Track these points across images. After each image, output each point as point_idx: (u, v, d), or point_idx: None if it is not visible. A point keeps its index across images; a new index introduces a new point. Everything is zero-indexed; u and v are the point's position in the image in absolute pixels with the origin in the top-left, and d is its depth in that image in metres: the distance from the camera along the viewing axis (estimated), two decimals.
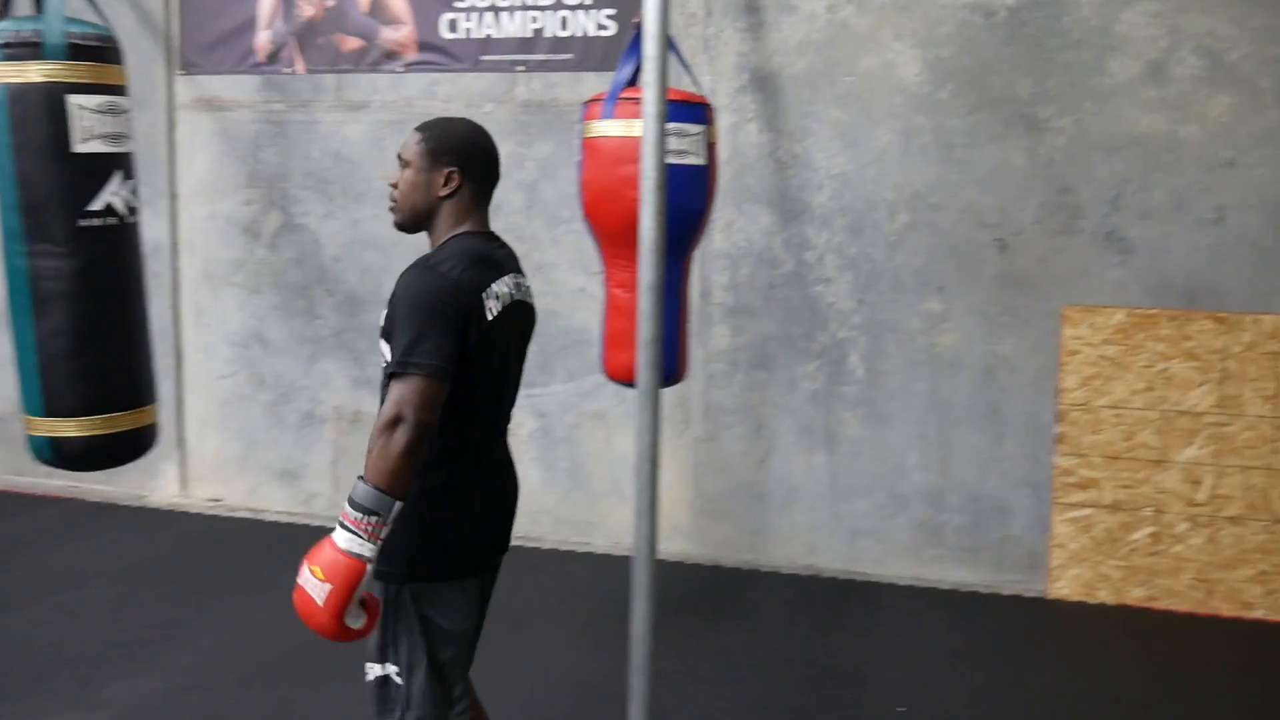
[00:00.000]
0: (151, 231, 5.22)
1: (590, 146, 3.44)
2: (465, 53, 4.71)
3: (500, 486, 2.27)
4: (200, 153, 5.15)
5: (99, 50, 3.21)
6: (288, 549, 4.71)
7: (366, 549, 1.90)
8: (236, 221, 5.13)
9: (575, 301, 4.70)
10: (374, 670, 2.15)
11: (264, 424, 5.20)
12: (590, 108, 3.47)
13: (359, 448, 5.03)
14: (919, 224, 4.34)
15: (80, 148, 3.10)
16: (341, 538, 1.91)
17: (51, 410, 3.12)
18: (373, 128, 4.89)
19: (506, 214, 4.73)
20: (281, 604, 4.02)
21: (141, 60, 5.15)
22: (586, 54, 4.55)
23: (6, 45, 3.11)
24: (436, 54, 4.74)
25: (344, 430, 5.07)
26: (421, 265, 2.06)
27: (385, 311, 2.07)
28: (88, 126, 3.10)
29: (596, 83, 4.50)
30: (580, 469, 4.79)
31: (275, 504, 5.20)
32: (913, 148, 4.32)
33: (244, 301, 5.16)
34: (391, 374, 1.99)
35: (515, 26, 4.63)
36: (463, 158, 2.16)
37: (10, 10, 3.36)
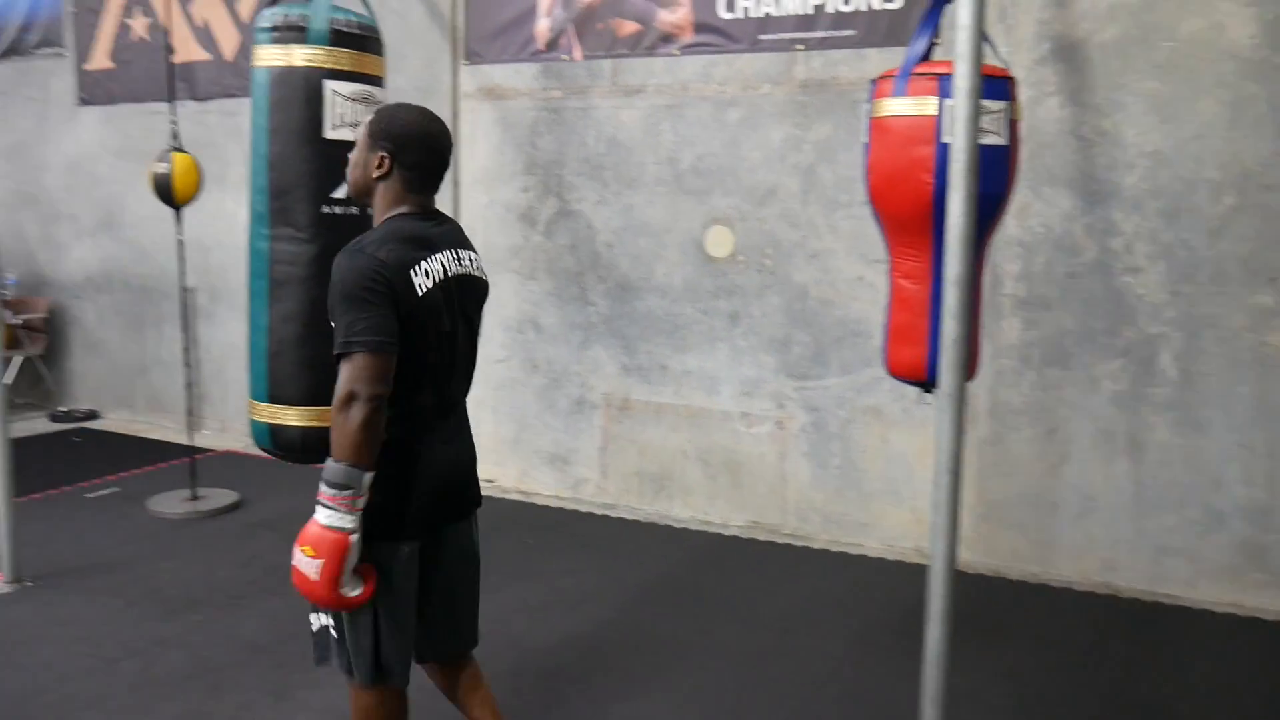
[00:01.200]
0: None
1: (879, 127, 3.25)
2: (742, 33, 4.63)
3: (449, 454, 2.32)
4: (482, 141, 5.33)
5: (360, 39, 3.32)
6: (556, 534, 4.85)
7: (347, 521, 2.06)
8: (514, 208, 5.27)
9: (852, 291, 4.53)
10: (315, 620, 2.29)
11: (536, 408, 5.33)
12: (880, 85, 3.29)
13: (628, 435, 5.08)
14: (1247, 206, 3.89)
15: (332, 134, 3.20)
16: (323, 515, 2.06)
17: (274, 396, 3.20)
18: (648, 113, 4.89)
19: (782, 199, 4.61)
20: (546, 592, 4.15)
21: (429, 51, 5.38)
22: (870, 29, 4.36)
23: (274, 29, 3.26)
24: (713, 35, 4.68)
25: (613, 417, 5.12)
26: (351, 249, 2.18)
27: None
28: (340, 113, 3.20)
29: (880, 59, 4.30)
30: (853, 467, 4.62)
31: (545, 487, 5.33)
32: (1243, 121, 3.87)
33: (520, 287, 5.30)
34: (338, 355, 2.10)
35: (795, 3, 4.50)
36: (397, 144, 2.26)
37: None
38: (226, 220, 6.19)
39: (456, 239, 2.35)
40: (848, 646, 3.62)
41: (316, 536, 2.05)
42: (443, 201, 5.34)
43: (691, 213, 4.83)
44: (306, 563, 2.06)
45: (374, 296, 2.10)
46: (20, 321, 6.88)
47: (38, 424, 6.71)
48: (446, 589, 2.41)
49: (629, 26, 4.87)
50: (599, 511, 5.03)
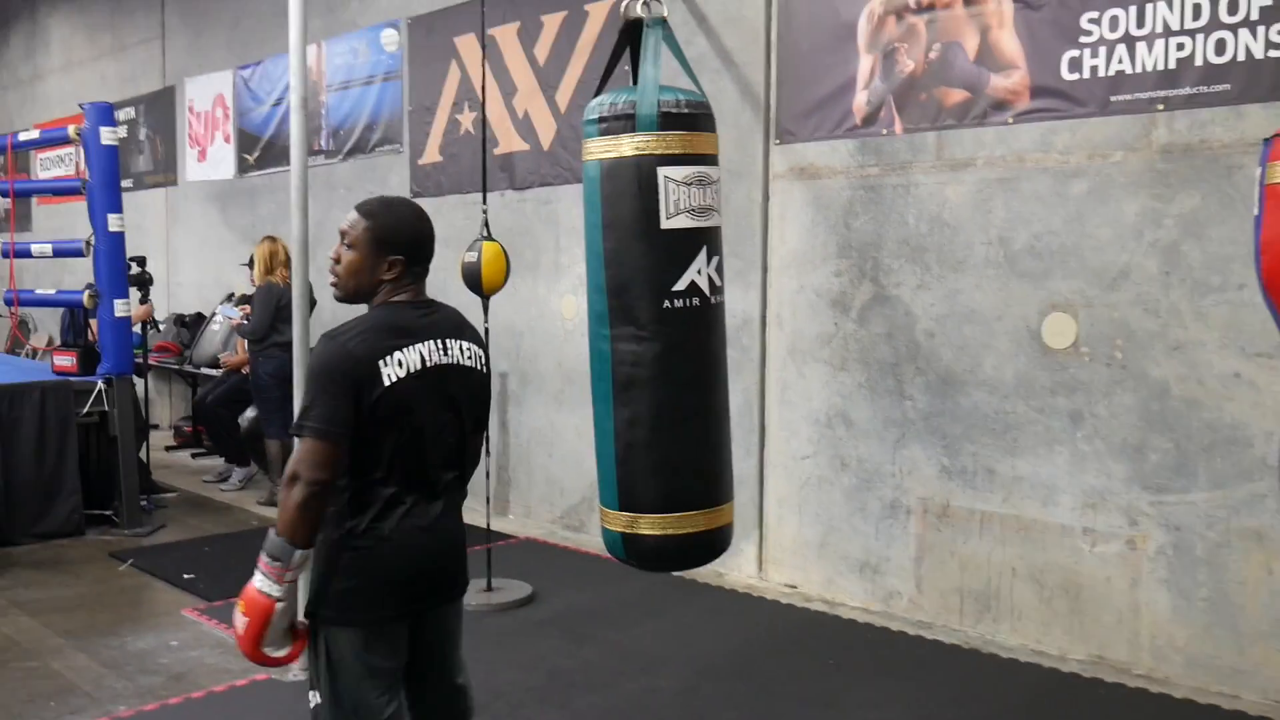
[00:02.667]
0: (742, 305, 5.18)
1: (1275, 195, 2.64)
2: (1089, 95, 4.06)
3: (420, 539, 2.33)
4: (792, 223, 5.01)
5: (690, 118, 3.08)
6: (864, 653, 4.31)
7: (275, 590, 2.19)
8: (825, 294, 4.89)
9: (1226, 390, 3.79)
10: (312, 698, 2.37)
11: (844, 510, 4.86)
12: (1276, 145, 2.68)
13: (947, 545, 4.50)
14: None
15: (668, 224, 2.97)
16: (257, 579, 2.20)
17: (625, 504, 2.99)
18: (976, 187, 4.40)
19: (1136, 282, 3.97)
20: None
21: (741, 132, 5.15)
22: (1251, 81, 3.68)
23: (601, 119, 3.08)
24: (1054, 99, 4.14)
25: (930, 525, 4.57)
26: (326, 336, 2.29)
27: None
28: (676, 200, 2.97)
29: (1264, 116, 3.62)
30: (1227, 600, 3.83)
31: (852, 598, 4.83)
32: None
33: (829, 379, 4.89)
34: (295, 431, 2.26)
35: (1155, 58, 3.89)
36: (407, 249, 2.35)
37: (605, 85, 3.38)
38: (539, 306, 6.21)
39: (448, 329, 2.43)
40: None
41: (249, 599, 2.21)
42: (750, 286, 5.09)
43: (1026, 298, 4.26)
44: (239, 619, 2.22)
45: (334, 386, 2.21)
46: None
47: None
48: (438, 671, 2.50)
49: (956, 95, 4.42)
50: (912, 631, 4.46)
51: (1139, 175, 3.97)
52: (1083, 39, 4.05)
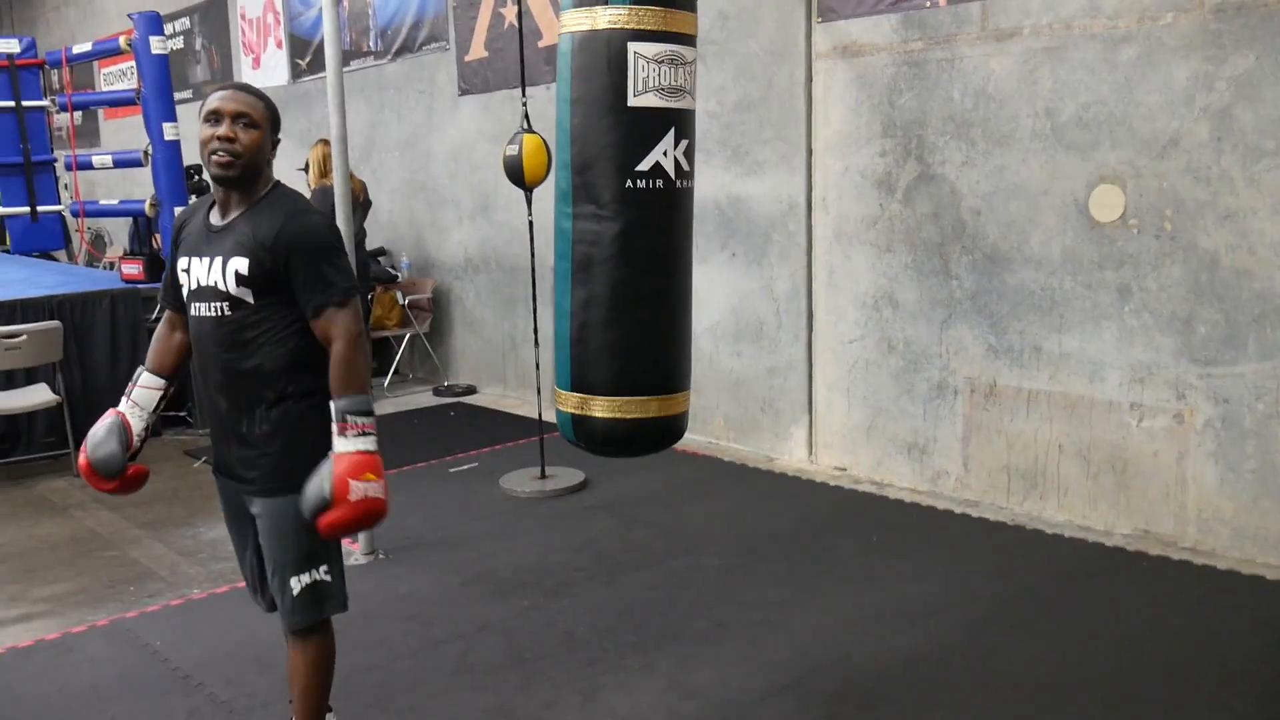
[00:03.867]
0: (788, 189, 5.12)
1: None
2: None
3: None
4: (836, 103, 4.90)
5: None
6: (907, 533, 4.34)
7: (375, 444, 2.26)
8: (870, 175, 4.81)
9: (1278, 258, 3.68)
10: (300, 580, 2.42)
11: (892, 392, 4.85)
12: None
13: (994, 424, 4.48)
14: None
15: (635, 101, 2.89)
16: (370, 443, 2.24)
17: (577, 385, 2.95)
18: (1023, 59, 4.25)
19: (1186, 149, 3.83)
20: (885, 600, 3.67)
21: (782, 12, 5.03)
22: None
23: None
24: None
25: (978, 404, 4.54)
26: (308, 209, 2.43)
27: (254, 256, 2.31)
28: (645, 78, 2.88)
29: None
30: (1275, 471, 3.77)
31: (901, 479, 4.84)
32: None
33: (875, 260, 4.83)
34: (339, 301, 2.32)
35: None
36: (278, 132, 2.45)
37: None
38: None
39: None
40: (1260, 701, 2.89)
41: (375, 462, 2.22)
42: (794, 170, 5.02)
43: (1074, 171, 4.15)
44: (377, 488, 2.20)
45: (343, 252, 2.41)
46: (409, 302, 7.32)
47: (423, 398, 7.11)
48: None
49: None
50: (959, 509, 4.48)
51: (1190, 37, 3.80)
52: None
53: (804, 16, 4.95)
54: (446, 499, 4.87)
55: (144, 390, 2.55)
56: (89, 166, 7.33)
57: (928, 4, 4.50)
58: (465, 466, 5.37)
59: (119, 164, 7.08)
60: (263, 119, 2.37)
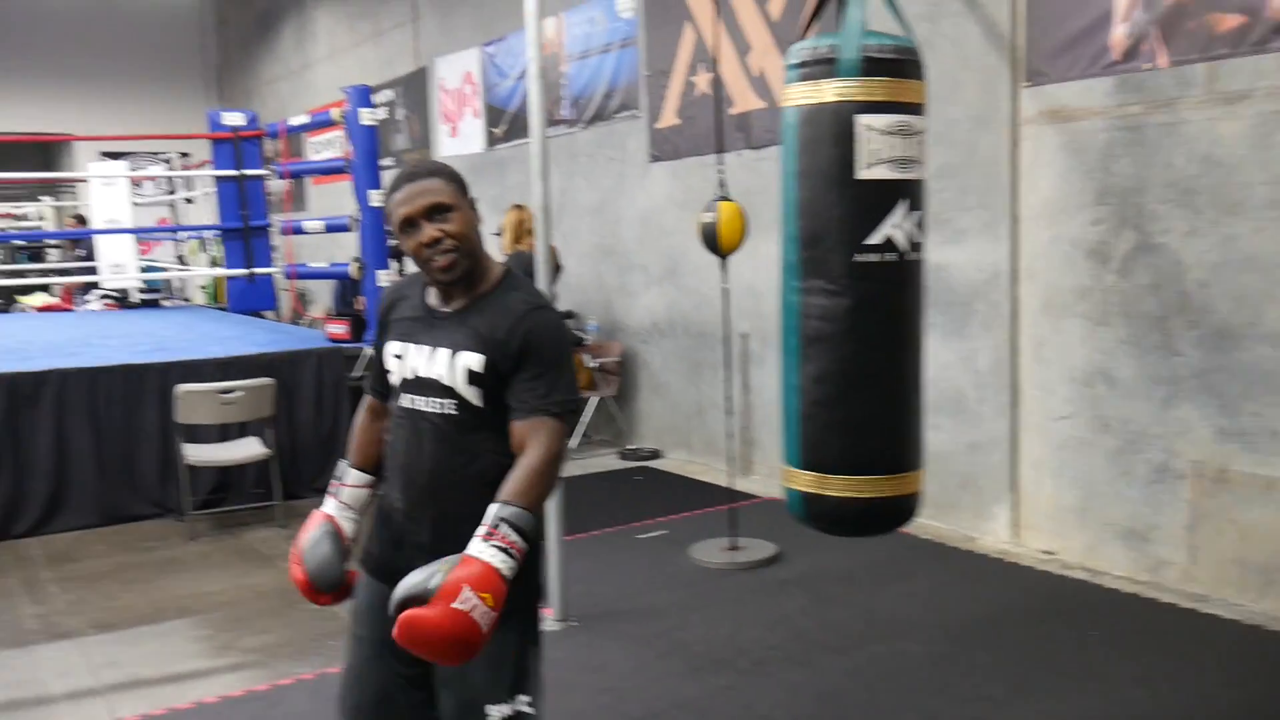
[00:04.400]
0: (991, 258, 4.93)
1: None
2: None
3: None
4: (1044, 170, 4.71)
5: (896, 64, 2.91)
6: (1130, 625, 4.03)
7: (511, 570, 1.88)
8: (1082, 244, 4.58)
9: None
10: (500, 711, 2.06)
11: (1107, 474, 4.56)
12: None
13: (1225, 513, 4.16)
14: None
15: (865, 174, 2.83)
16: (505, 563, 1.87)
17: (807, 463, 2.88)
18: (1255, 122, 3.99)
19: None
20: (1107, 705, 3.40)
21: (986, 76, 4.88)
22: None
23: (802, 64, 2.97)
24: None
25: (1206, 490, 4.22)
26: (549, 305, 2.17)
27: (489, 353, 2.05)
28: (875, 150, 2.83)
29: None
30: None
31: (1116, 567, 4.53)
32: None
33: (1088, 334, 4.59)
34: (555, 412, 2.03)
35: None
36: (469, 191, 2.15)
37: (810, 30, 3.25)
38: (779, 266, 6.13)
39: None
40: None
41: (501, 587, 1.84)
42: (998, 238, 4.85)
43: None
44: (486, 613, 1.80)
45: (573, 357, 2.17)
46: (598, 365, 7.39)
47: (609, 460, 7.13)
48: None
49: (1230, 20, 4.01)
50: (1184, 603, 4.15)
51: None
52: None
53: (1009, 81, 4.79)
54: (635, 566, 4.83)
55: (353, 490, 2.28)
56: (300, 231, 7.73)
57: (1146, 66, 4.28)
58: (653, 534, 5.32)
59: (330, 229, 7.44)
60: (454, 197, 2.08)
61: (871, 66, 2.85)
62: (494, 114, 8.94)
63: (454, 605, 1.78)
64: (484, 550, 1.86)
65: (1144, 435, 4.41)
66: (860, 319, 2.83)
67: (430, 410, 2.10)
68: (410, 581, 1.83)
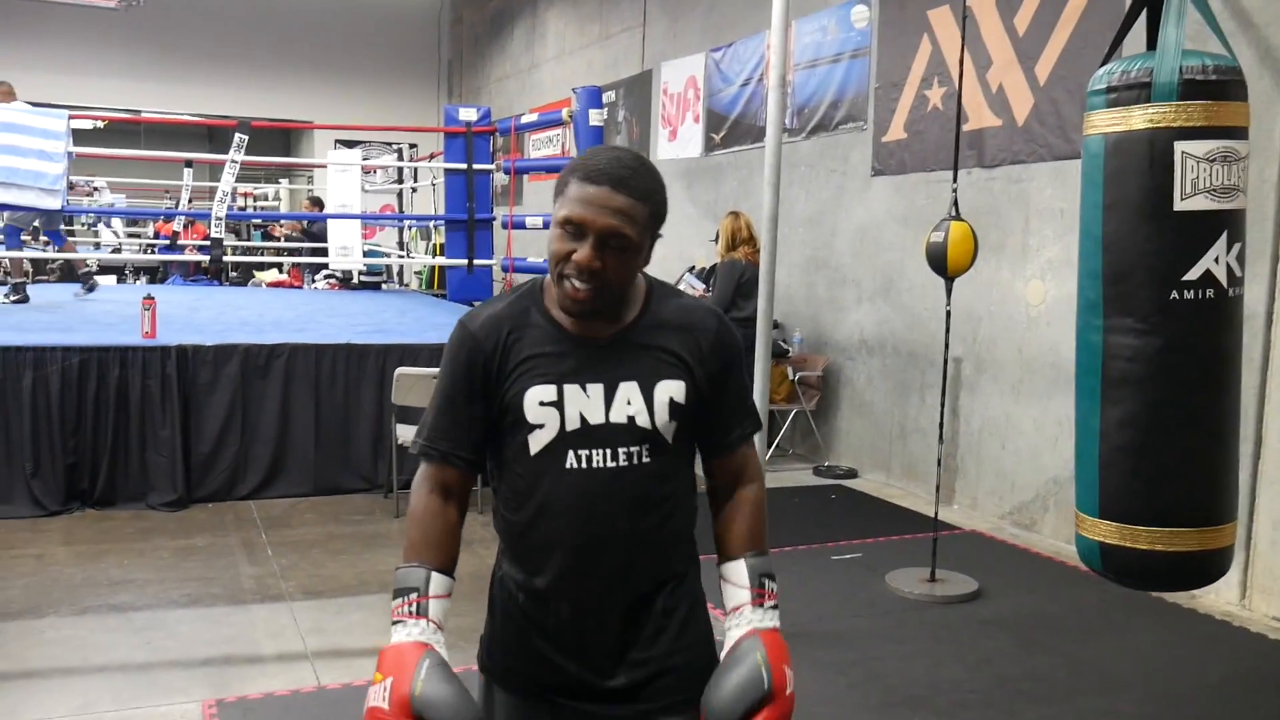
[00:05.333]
0: (1246, 299, 4.59)
1: None
2: None
3: None
4: None
5: (1218, 85, 2.73)
6: None
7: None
8: None
9: None
10: None
11: None
12: None
13: None
14: None
15: (1183, 205, 2.67)
16: (763, 616, 1.71)
17: (1106, 512, 2.73)
18: None
19: None
20: None
21: (1256, 102, 4.50)
22: None
23: (1109, 90, 2.82)
24: None
25: None
26: (720, 314, 1.84)
27: (690, 376, 1.74)
28: (1194, 179, 2.65)
29: None
30: None
31: None
32: None
33: None
34: (755, 430, 1.84)
35: None
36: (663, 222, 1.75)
37: (1118, 51, 3.09)
38: (1000, 290, 5.91)
39: None
40: None
41: (776, 644, 1.66)
42: (1255, 277, 4.53)
43: None
44: (791, 679, 1.64)
45: None
46: (797, 378, 7.30)
47: (803, 476, 7.03)
48: None
49: None
50: None
51: None
52: None
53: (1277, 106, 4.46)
54: (828, 589, 4.73)
55: (439, 602, 1.69)
56: (521, 226, 7.97)
57: None
58: (847, 556, 5.21)
59: (548, 225, 7.60)
60: (641, 236, 1.68)
61: (1191, 89, 2.69)
62: (714, 119, 8.98)
63: (787, 691, 1.64)
64: (765, 617, 1.70)
65: None
66: (1172, 360, 2.69)
67: (610, 465, 1.70)
68: (742, 683, 1.61)
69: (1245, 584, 4.59)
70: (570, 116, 6.74)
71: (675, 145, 9.67)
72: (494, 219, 8.22)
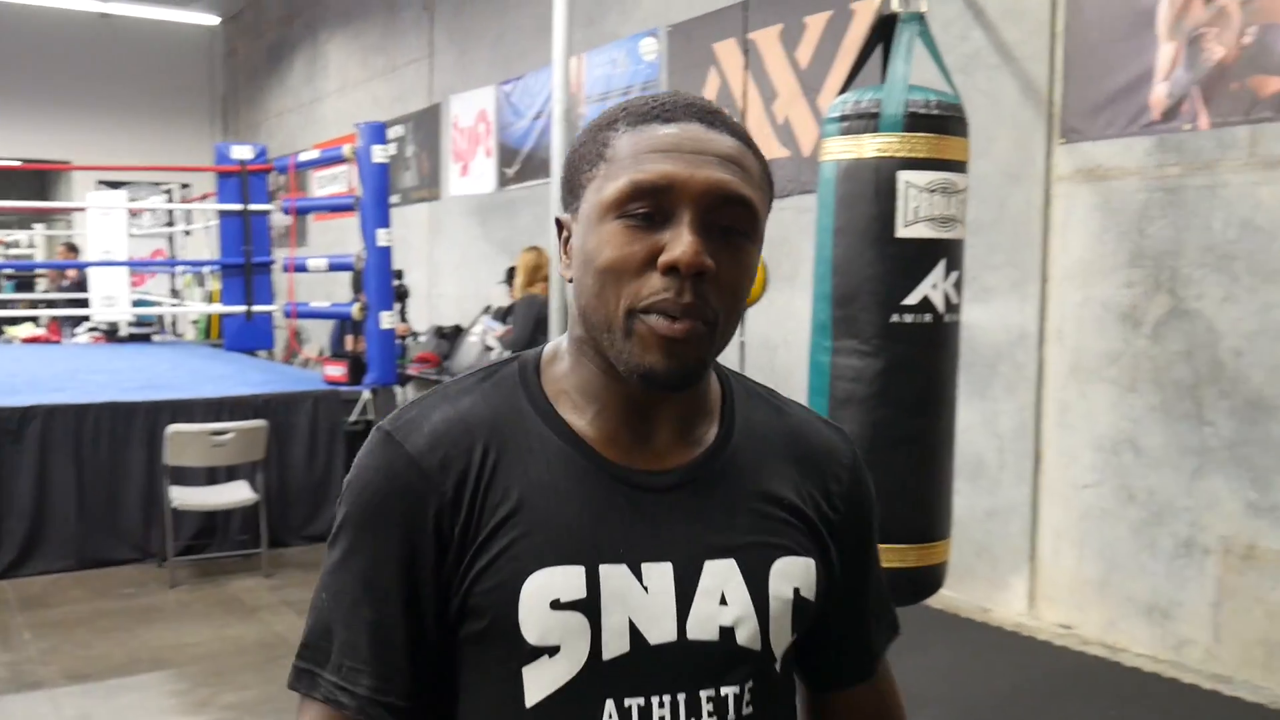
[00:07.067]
0: (1018, 318, 4.98)
1: None
2: None
3: None
4: (1077, 229, 4.77)
5: (940, 120, 2.99)
6: (1151, 705, 4.02)
7: None
8: (1113, 307, 4.63)
9: None
10: None
11: (1130, 546, 4.57)
12: None
13: (1253, 591, 4.16)
14: None
15: (904, 232, 2.89)
16: None
17: None
18: None
19: None
20: None
21: (1021, 132, 4.97)
22: None
23: (843, 118, 3.04)
24: None
25: (1233, 567, 4.23)
26: (847, 433, 1.24)
27: (819, 543, 1.10)
28: (915, 207, 2.89)
29: None
30: None
31: (1137, 644, 4.52)
32: None
33: (1117, 400, 4.62)
34: (889, 641, 1.29)
35: None
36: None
37: (853, 82, 3.34)
38: (796, 320, 6.18)
39: None
40: None
41: None
42: (1026, 298, 4.89)
43: None
44: None
45: None
46: None
47: None
48: None
49: (1276, 84, 4.09)
50: (1207, 684, 4.13)
51: None
52: None
53: (1044, 138, 4.87)
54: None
55: None
56: (303, 269, 7.82)
57: (1187, 127, 4.36)
58: None
59: (333, 267, 7.51)
60: (762, 213, 1.03)
61: (915, 122, 2.92)
62: (507, 154, 9.07)
63: None
64: None
65: (1170, 507, 4.42)
66: (892, 381, 2.87)
67: (696, 714, 0.99)
68: None
69: (1031, 594, 4.93)
70: (353, 153, 6.69)
71: (467, 180, 9.71)
72: (273, 262, 8.03)
